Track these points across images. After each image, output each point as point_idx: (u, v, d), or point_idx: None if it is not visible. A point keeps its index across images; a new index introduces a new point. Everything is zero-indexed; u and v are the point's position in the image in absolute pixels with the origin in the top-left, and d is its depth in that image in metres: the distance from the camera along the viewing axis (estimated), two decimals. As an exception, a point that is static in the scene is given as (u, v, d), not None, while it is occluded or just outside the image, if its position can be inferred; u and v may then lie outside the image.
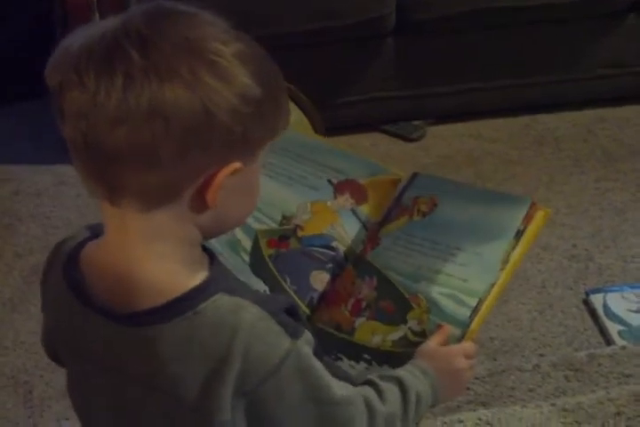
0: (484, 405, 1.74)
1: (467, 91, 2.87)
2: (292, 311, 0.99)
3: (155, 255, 0.95)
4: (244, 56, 0.90)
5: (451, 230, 1.32)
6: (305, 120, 2.19)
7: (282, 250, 1.34)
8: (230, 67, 0.89)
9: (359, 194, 1.38)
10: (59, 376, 1.96)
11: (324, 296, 1.34)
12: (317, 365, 0.99)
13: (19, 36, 2.98)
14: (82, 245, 1.02)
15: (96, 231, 1.02)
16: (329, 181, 1.39)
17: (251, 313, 0.94)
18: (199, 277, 0.96)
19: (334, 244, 1.35)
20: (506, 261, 1.28)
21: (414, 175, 1.41)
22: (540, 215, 1.30)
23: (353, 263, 1.35)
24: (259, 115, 0.91)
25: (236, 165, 0.92)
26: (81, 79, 0.87)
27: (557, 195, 2.57)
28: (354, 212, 1.38)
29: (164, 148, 0.88)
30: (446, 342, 1.23)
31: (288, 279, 1.31)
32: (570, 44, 2.86)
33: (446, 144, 2.83)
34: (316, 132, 2.31)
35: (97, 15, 2.35)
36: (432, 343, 1.22)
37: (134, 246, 0.95)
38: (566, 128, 2.89)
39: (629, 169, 2.68)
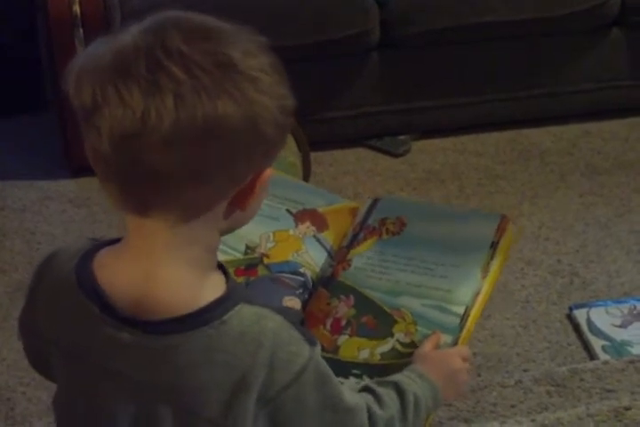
0: (466, 421, 1.74)
1: (452, 105, 2.87)
2: (302, 322, 1.00)
3: (180, 263, 0.95)
4: (277, 68, 0.93)
5: (423, 247, 1.33)
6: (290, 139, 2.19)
7: (251, 278, 1.35)
8: (270, 80, 0.91)
9: (320, 222, 1.40)
10: (41, 393, 1.95)
11: None
12: (331, 372, 1.01)
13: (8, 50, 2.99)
14: (91, 254, 1.00)
15: (98, 243, 1.02)
16: (287, 211, 1.40)
17: (273, 322, 0.96)
18: (220, 286, 0.97)
19: (302, 269, 1.36)
20: (486, 271, 1.29)
21: (376, 200, 1.43)
22: (511, 228, 1.32)
23: (324, 285, 1.35)
24: (287, 124, 0.95)
25: (270, 171, 0.96)
26: (122, 98, 0.87)
27: (542, 209, 2.57)
28: (317, 238, 1.39)
29: (216, 163, 0.89)
30: (438, 347, 1.24)
31: None
32: (554, 58, 2.88)
33: (431, 159, 2.83)
34: (299, 149, 2.31)
35: (80, 31, 2.35)
36: (426, 348, 1.24)
37: (160, 254, 0.95)
38: (551, 142, 2.89)
39: (614, 183, 2.68)
